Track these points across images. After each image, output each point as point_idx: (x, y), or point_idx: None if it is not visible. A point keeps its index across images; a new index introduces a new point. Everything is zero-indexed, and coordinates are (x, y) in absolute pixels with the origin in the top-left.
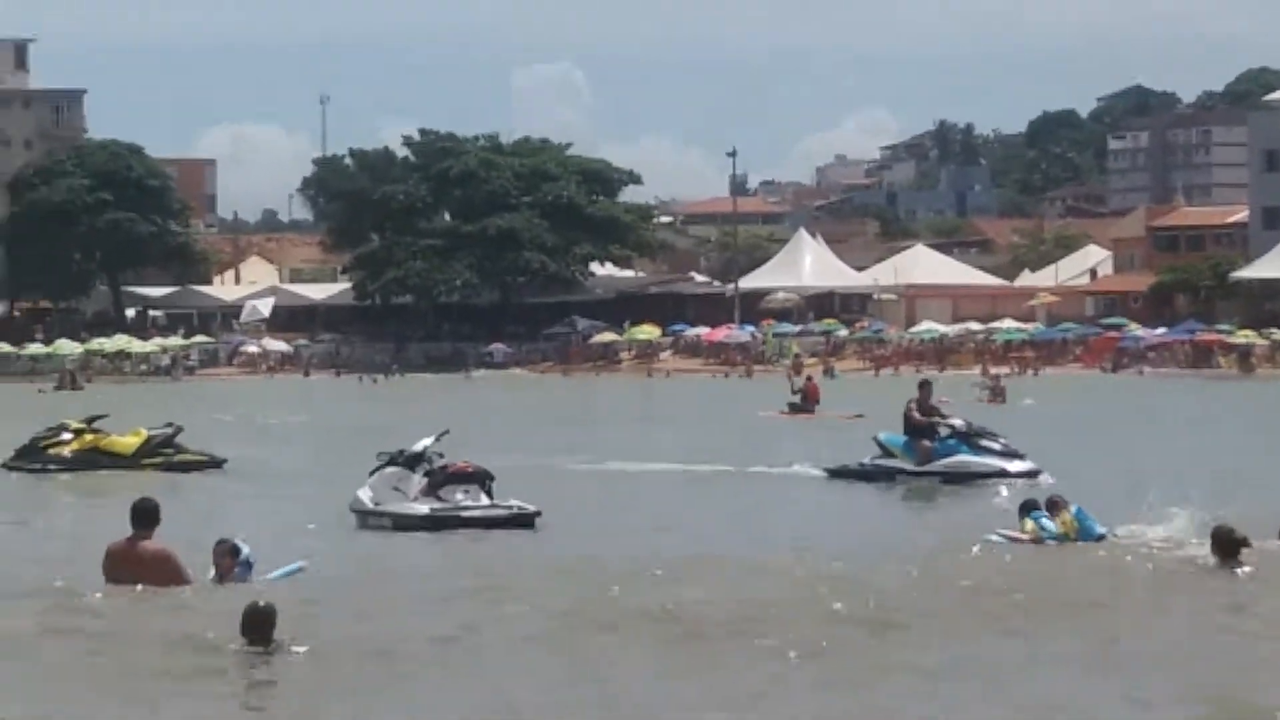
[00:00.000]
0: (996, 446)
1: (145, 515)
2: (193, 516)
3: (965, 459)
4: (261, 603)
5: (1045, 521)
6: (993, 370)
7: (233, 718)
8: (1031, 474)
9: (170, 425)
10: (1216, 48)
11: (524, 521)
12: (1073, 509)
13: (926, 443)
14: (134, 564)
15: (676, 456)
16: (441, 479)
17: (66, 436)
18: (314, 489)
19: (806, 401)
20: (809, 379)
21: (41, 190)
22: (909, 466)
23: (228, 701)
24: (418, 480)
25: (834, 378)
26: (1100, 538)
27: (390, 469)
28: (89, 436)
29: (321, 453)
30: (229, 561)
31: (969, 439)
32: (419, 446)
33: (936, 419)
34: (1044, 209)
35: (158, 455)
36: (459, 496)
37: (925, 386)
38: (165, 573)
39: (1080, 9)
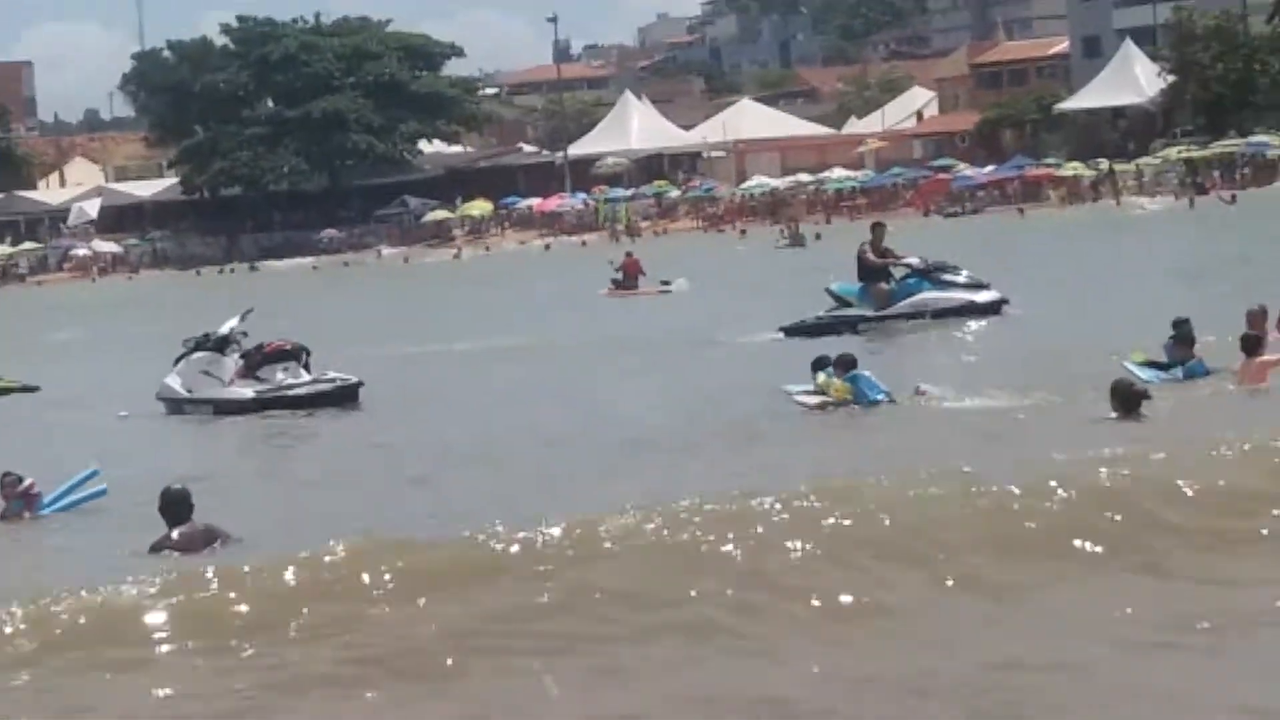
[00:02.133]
0: (960, 279)
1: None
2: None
3: (928, 295)
4: (175, 485)
5: (863, 375)
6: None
7: None
8: (999, 303)
9: None
10: None
11: (349, 394)
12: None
13: (883, 285)
14: None
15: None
16: (259, 359)
17: None
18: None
19: (628, 278)
20: (628, 255)
21: None
22: (869, 312)
23: None
24: (231, 362)
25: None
26: (877, 402)
27: (198, 354)
28: None
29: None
30: (8, 493)
31: (929, 274)
32: (225, 328)
33: (891, 260)
34: (867, 54)
35: None
36: (279, 375)
37: (878, 228)
38: None
39: None
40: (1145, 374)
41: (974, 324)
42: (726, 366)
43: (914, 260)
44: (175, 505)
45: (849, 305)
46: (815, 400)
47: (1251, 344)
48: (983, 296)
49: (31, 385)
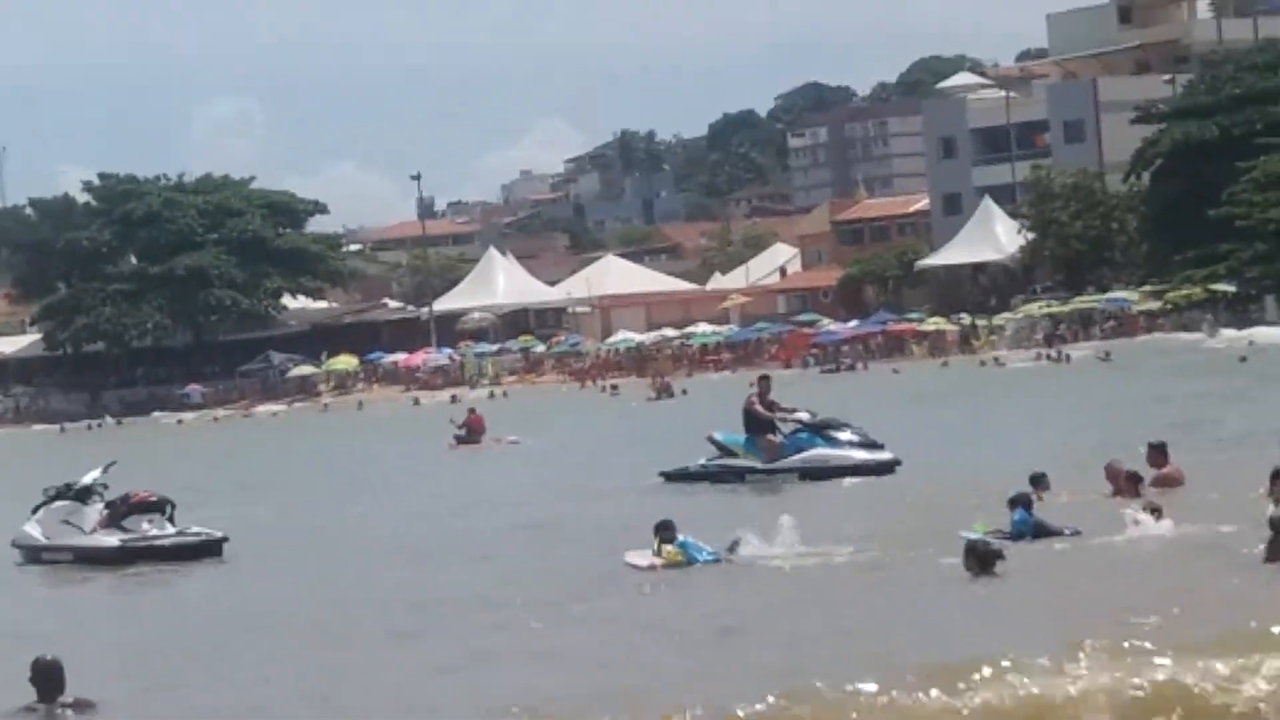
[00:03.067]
0: (853, 437)
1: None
2: None
3: (823, 452)
4: (48, 656)
5: (691, 541)
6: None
7: None
8: (893, 463)
9: None
10: (888, 39)
11: (213, 548)
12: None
13: (773, 438)
14: None
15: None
16: (125, 509)
17: None
18: None
19: (472, 433)
20: (471, 410)
21: None
22: (758, 464)
23: None
24: (93, 512)
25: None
26: (712, 560)
27: (59, 503)
28: None
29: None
30: None
31: (820, 430)
32: (87, 479)
33: (780, 414)
34: (730, 211)
35: None
36: (144, 526)
37: (764, 380)
38: None
39: (752, 10)
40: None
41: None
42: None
43: (804, 415)
44: (44, 678)
45: (734, 455)
46: (646, 561)
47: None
48: (876, 456)
49: None
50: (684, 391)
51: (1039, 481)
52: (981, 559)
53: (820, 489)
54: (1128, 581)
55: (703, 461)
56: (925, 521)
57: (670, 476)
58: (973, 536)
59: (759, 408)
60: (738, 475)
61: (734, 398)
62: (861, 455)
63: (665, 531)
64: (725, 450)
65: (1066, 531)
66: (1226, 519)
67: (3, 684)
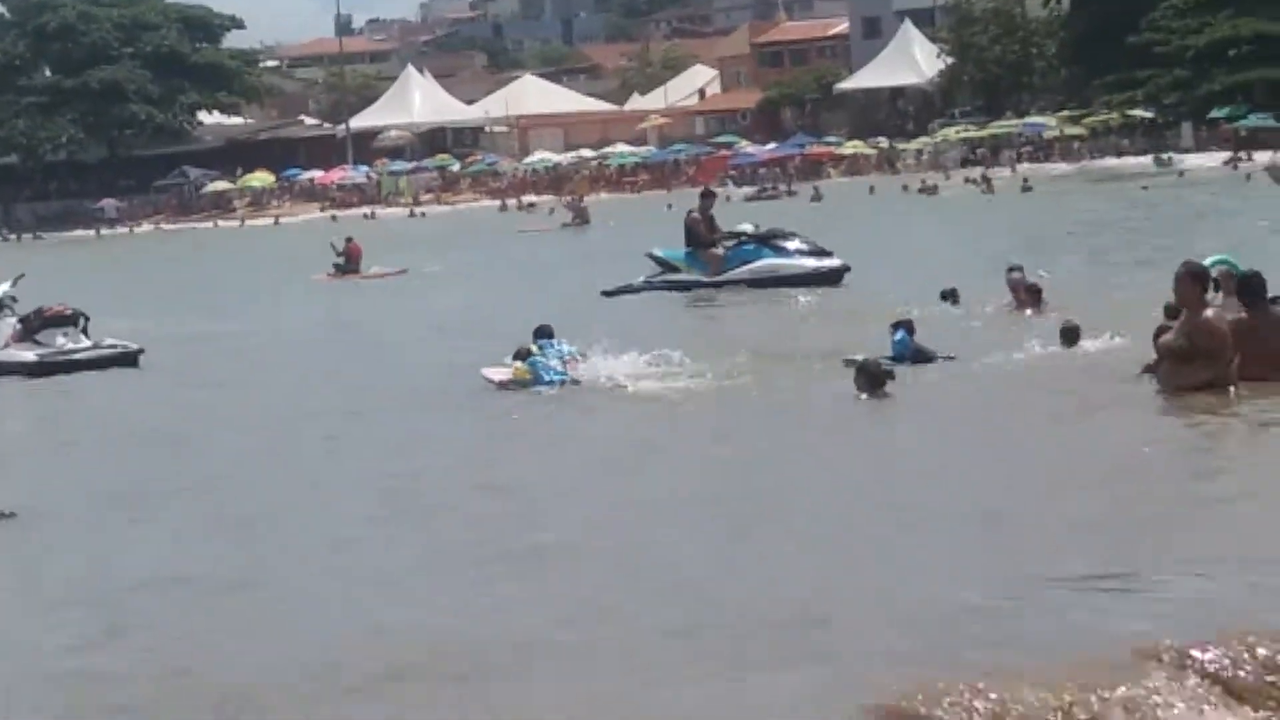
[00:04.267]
0: (801, 245)
1: None
2: None
3: (771, 262)
4: None
5: (539, 360)
6: (572, 195)
7: None
8: (842, 270)
9: None
10: None
11: (129, 360)
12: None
13: (716, 250)
14: None
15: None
16: (39, 323)
17: None
18: None
19: (350, 262)
20: (349, 239)
21: None
22: (703, 278)
23: None
24: (6, 326)
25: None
26: (558, 383)
27: None
28: None
29: None
30: None
31: (766, 241)
32: None
33: (722, 235)
34: (649, 32)
35: None
36: (60, 340)
37: (708, 196)
38: None
39: None
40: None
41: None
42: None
43: (747, 226)
44: None
45: (676, 270)
46: (499, 376)
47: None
48: (825, 263)
49: None
50: (611, 224)
51: (951, 295)
52: (872, 377)
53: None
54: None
55: (644, 278)
56: (818, 338)
57: (612, 294)
58: (854, 358)
59: (701, 224)
60: (683, 289)
61: (652, 221)
62: (811, 263)
63: (539, 337)
64: (667, 265)
65: (941, 358)
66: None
67: None
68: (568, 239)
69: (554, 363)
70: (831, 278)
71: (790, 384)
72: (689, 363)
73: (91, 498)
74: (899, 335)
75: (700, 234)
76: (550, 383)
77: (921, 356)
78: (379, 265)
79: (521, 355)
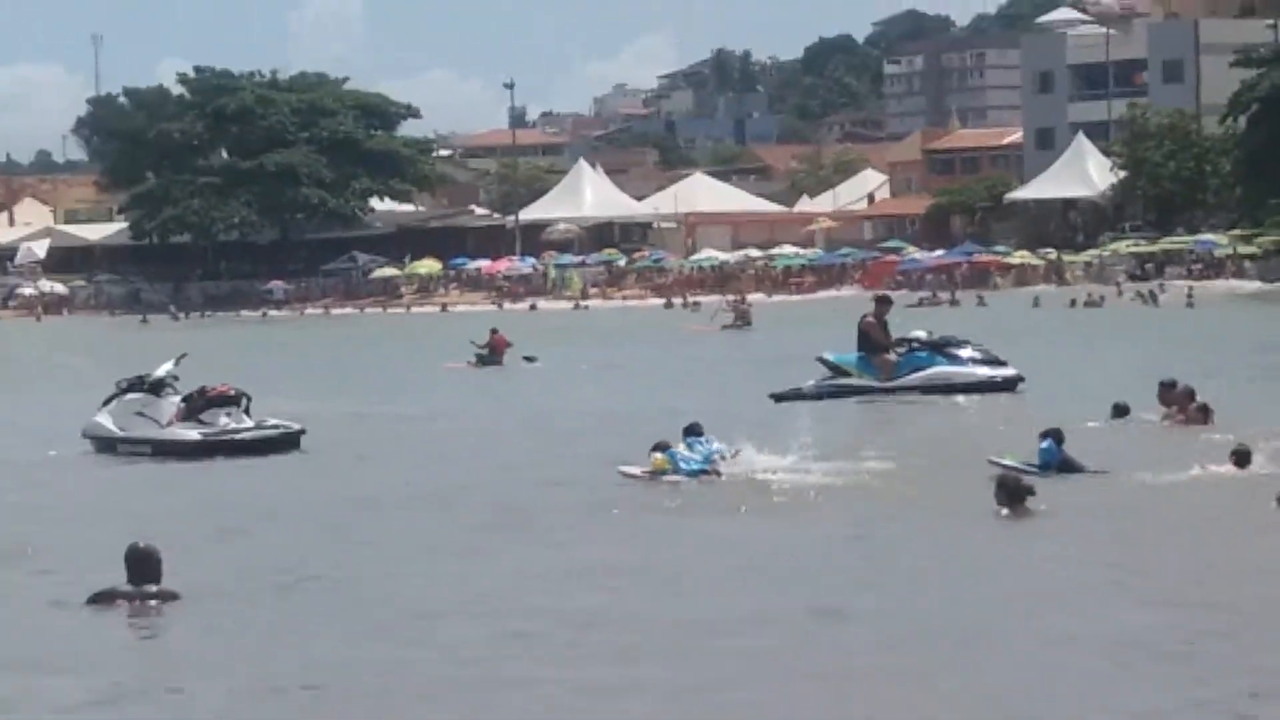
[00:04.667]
0: (974, 354)
1: None
2: None
3: (944, 370)
4: (141, 543)
5: (678, 452)
6: (735, 295)
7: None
8: (1016, 380)
9: None
10: None
11: (291, 441)
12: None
13: (889, 356)
14: None
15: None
16: (202, 403)
17: None
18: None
19: (494, 354)
20: (494, 331)
21: None
22: (874, 384)
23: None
24: (169, 405)
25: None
26: (696, 473)
27: (131, 395)
28: None
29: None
30: None
31: (940, 349)
32: (161, 371)
33: (895, 339)
34: (822, 135)
35: None
36: (223, 419)
37: (884, 301)
38: None
39: None
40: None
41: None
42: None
43: (920, 333)
44: (141, 564)
45: (846, 375)
46: (637, 470)
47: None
48: (999, 372)
49: None
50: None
51: (1120, 410)
52: (1011, 493)
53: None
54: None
55: (814, 382)
56: (963, 444)
57: (781, 398)
58: (1003, 462)
59: (876, 327)
60: (855, 394)
61: (814, 326)
62: (985, 371)
63: (688, 435)
64: (838, 370)
65: (1090, 471)
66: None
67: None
68: (730, 340)
69: (693, 455)
70: (1005, 386)
71: (939, 492)
72: (841, 464)
73: (254, 581)
74: (1045, 444)
75: (876, 339)
76: (690, 474)
77: (1069, 467)
78: (530, 357)
79: (661, 448)
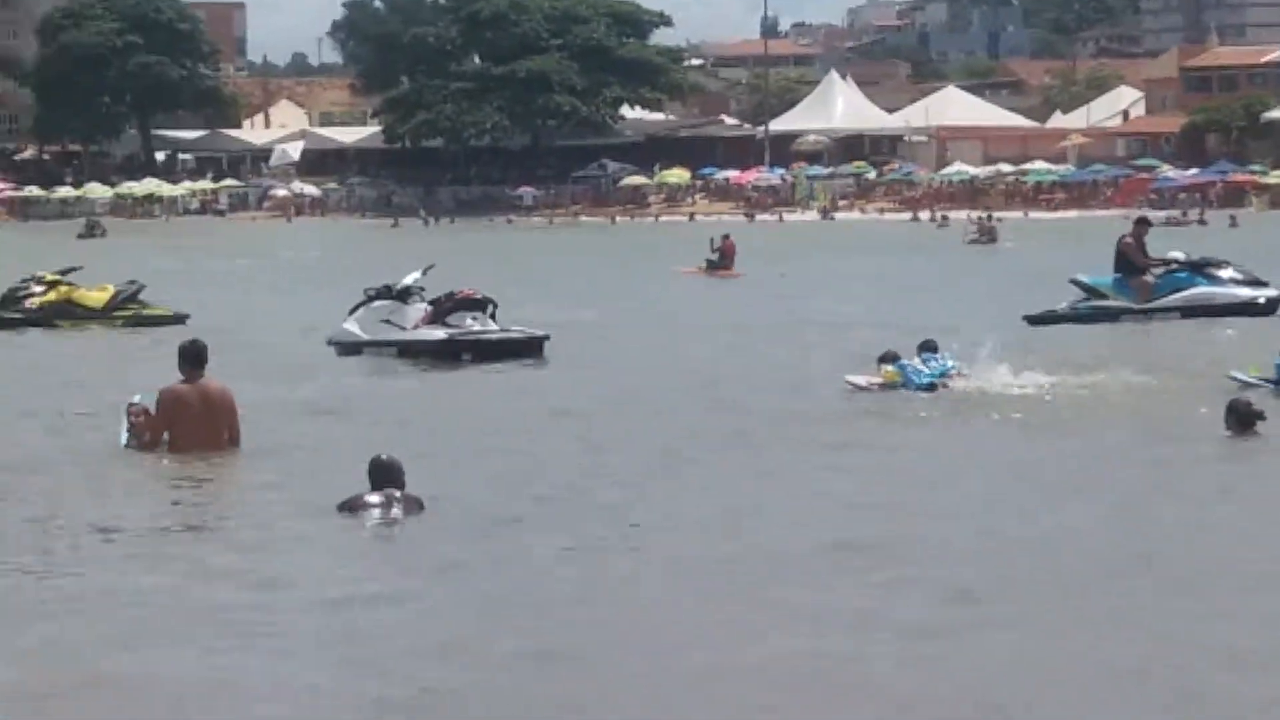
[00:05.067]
0: (1235, 274)
1: (198, 356)
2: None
3: (1205, 290)
4: (384, 455)
5: (908, 364)
6: (982, 212)
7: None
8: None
9: (134, 281)
10: None
11: (536, 346)
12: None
13: (1147, 278)
14: (201, 403)
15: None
16: (450, 306)
17: (38, 289)
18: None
19: (724, 259)
20: (726, 236)
21: (71, 33)
22: (1132, 305)
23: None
24: (414, 311)
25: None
26: (927, 387)
27: (378, 303)
28: (63, 288)
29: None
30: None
31: (1199, 269)
32: (408, 280)
33: (1155, 260)
34: (1076, 50)
35: (126, 309)
36: (469, 322)
37: (1143, 223)
38: (232, 413)
39: None
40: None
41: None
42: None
43: (1179, 254)
44: (382, 476)
45: (1102, 296)
46: (864, 381)
47: None
48: (1262, 293)
49: (181, 315)
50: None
51: None
52: (1241, 417)
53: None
54: None
55: (1069, 303)
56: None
57: (1036, 320)
58: (1242, 377)
59: (1136, 250)
60: (1112, 317)
61: (1064, 246)
62: (1247, 292)
63: (923, 350)
64: (1093, 292)
65: None
66: None
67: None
68: (976, 256)
69: (925, 369)
70: (1268, 308)
71: (1172, 412)
72: (1077, 378)
73: (500, 489)
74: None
75: (1135, 260)
76: (920, 386)
77: None
78: (783, 268)
79: (889, 359)
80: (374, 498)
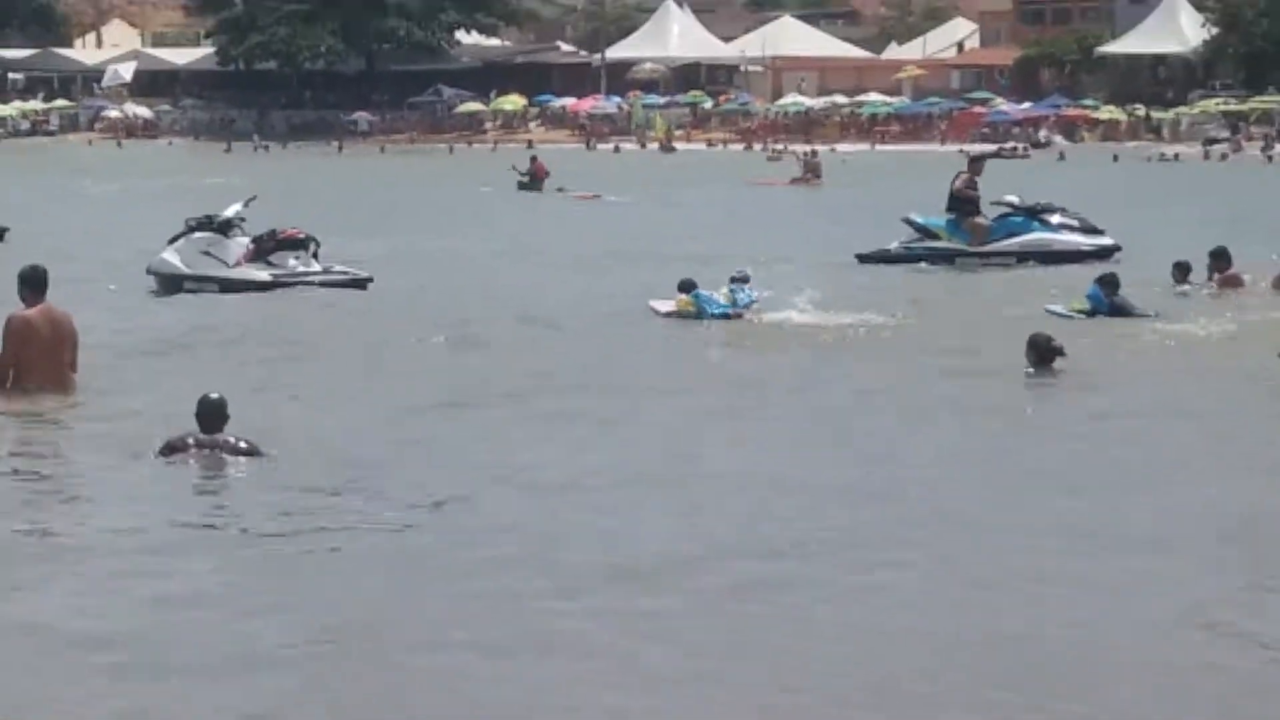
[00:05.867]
0: (1070, 221)
1: (40, 281)
2: None
3: (1042, 235)
4: (214, 394)
5: (703, 293)
6: (806, 147)
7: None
8: (1113, 249)
9: None
10: None
11: (358, 286)
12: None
13: (981, 220)
14: (50, 330)
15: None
16: (272, 245)
17: None
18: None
19: (535, 180)
20: (534, 157)
21: None
22: (966, 248)
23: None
24: (235, 245)
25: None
26: (721, 316)
27: (199, 234)
28: None
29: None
30: None
31: (1035, 214)
32: (229, 212)
33: (986, 199)
34: None
35: None
36: (291, 262)
37: (978, 161)
38: (74, 341)
39: None
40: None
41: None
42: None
43: (1013, 198)
44: (210, 415)
45: (935, 237)
46: (665, 308)
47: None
48: (1098, 241)
49: (1, 227)
50: (843, 162)
51: (1220, 256)
52: (1041, 353)
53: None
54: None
55: (900, 243)
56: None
57: (866, 258)
58: (1060, 310)
59: (969, 190)
60: (946, 259)
61: (892, 179)
62: (1082, 240)
63: (734, 281)
64: (926, 233)
65: (1147, 313)
66: None
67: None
68: (800, 195)
69: (720, 298)
70: (1102, 255)
71: (963, 343)
72: (871, 315)
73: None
74: (1092, 290)
75: (970, 200)
76: (714, 316)
77: (1120, 311)
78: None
79: (685, 288)
80: (194, 440)
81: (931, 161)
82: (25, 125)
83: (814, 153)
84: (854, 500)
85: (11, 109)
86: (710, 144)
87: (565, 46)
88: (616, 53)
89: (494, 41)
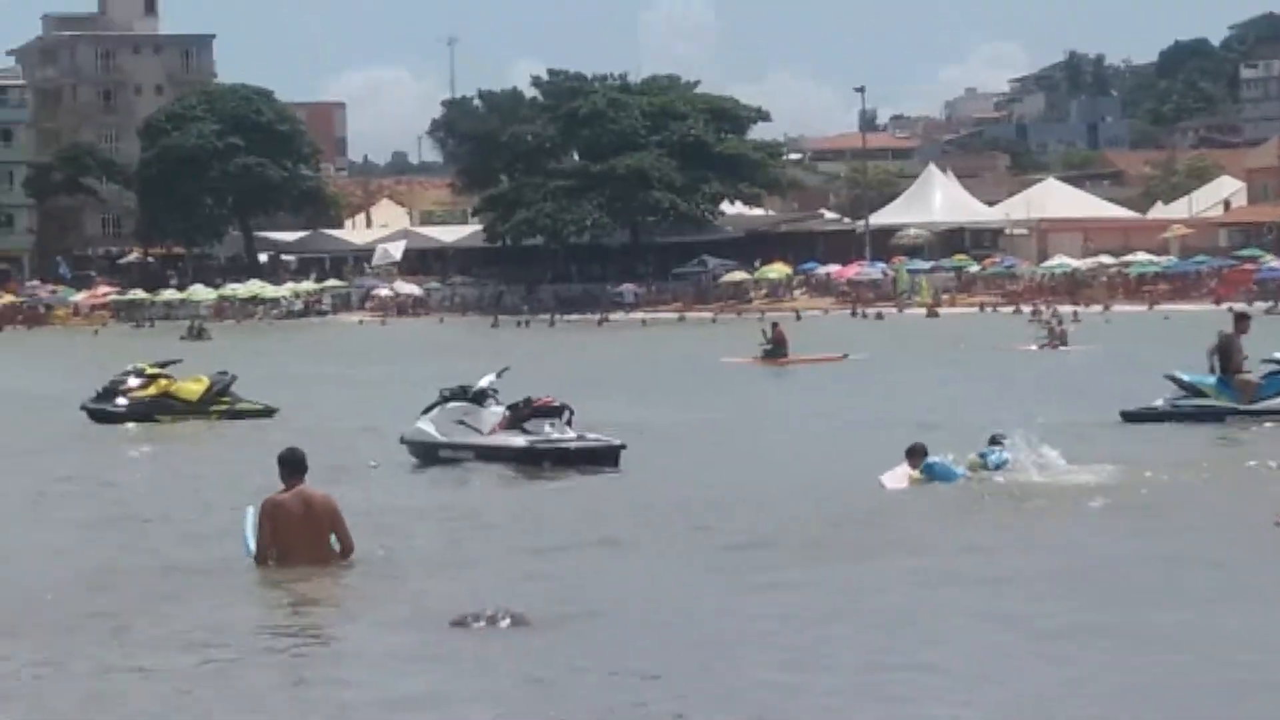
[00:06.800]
0: None
1: (298, 464)
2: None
3: None
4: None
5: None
6: (1049, 308)
7: None
8: None
9: (226, 373)
10: None
11: (612, 455)
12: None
13: (1250, 376)
14: (304, 512)
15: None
16: (527, 412)
17: (134, 382)
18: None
19: (778, 348)
20: (775, 325)
21: (173, 136)
22: (1238, 406)
23: None
24: (489, 414)
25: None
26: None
27: (453, 404)
28: (162, 381)
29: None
30: None
31: None
32: (484, 382)
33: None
34: (1176, 140)
35: (221, 402)
36: (546, 429)
37: (1244, 319)
38: (336, 521)
39: None
40: None
41: None
42: None
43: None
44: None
45: (1202, 395)
46: (894, 483)
47: None
48: None
49: (271, 408)
50: (1106, 322)
51: None
52: None
53: None
54: None
55: (1166, 400)
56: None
57: (1132, 417)
58: None
59: (1237, 346)
60: (1216, 416)
61: (1136, 346)
62: None
63: (992, 444)
64: (1193, 390)
65: None
66: None
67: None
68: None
69: (961, 465)
70: None
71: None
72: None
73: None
74: None
75: (1237, 360)
76: (951, 481)
77: None
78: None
79: (916, 452)
80: (481, 612)
81: (1210, 319)
82: (298, 305)
83: (1057, 317)
84: None
85: (285, 290)
86: (982, 308)
87: (829, 214)
88: (880, 219)
89: (757, 211)
